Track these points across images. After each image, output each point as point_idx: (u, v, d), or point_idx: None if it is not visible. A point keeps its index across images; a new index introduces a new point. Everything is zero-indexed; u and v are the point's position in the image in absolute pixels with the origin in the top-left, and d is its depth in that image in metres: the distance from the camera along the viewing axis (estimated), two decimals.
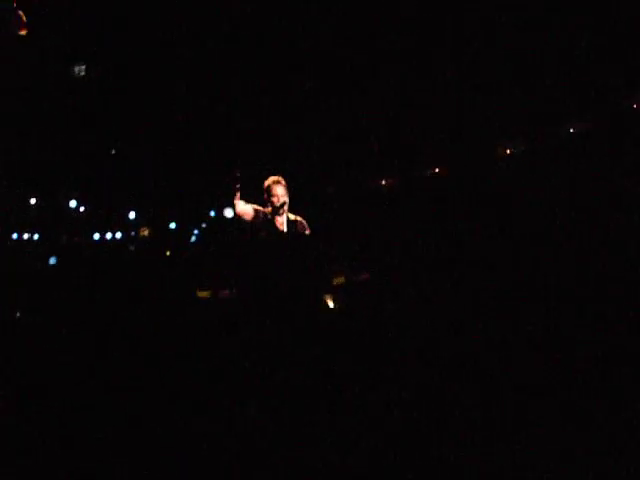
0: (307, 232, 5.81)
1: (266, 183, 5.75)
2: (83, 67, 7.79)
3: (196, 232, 14.69)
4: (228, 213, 13.05)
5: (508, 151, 13.36)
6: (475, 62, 11.20)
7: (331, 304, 12.09)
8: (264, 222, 5.64)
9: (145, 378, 6.02)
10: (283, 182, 5.76)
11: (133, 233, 15.67)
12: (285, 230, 5.68)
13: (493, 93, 11.45)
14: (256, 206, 5.71)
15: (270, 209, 5.68)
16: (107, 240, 15.65)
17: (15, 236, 14.75)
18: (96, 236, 15.62)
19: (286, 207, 5.68)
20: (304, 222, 5.85)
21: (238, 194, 5.61)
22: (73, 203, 14.85)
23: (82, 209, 15.02)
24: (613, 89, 11.10)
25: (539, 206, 11.88)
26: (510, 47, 10.92)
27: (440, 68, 11.29)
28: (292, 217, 5.78)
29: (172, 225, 15.22)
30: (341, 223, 13.00)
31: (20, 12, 6.33)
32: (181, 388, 5.63)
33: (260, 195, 5.76)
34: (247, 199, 5.72)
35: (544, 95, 11.47)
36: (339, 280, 13.79)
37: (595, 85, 11.10)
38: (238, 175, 5.68)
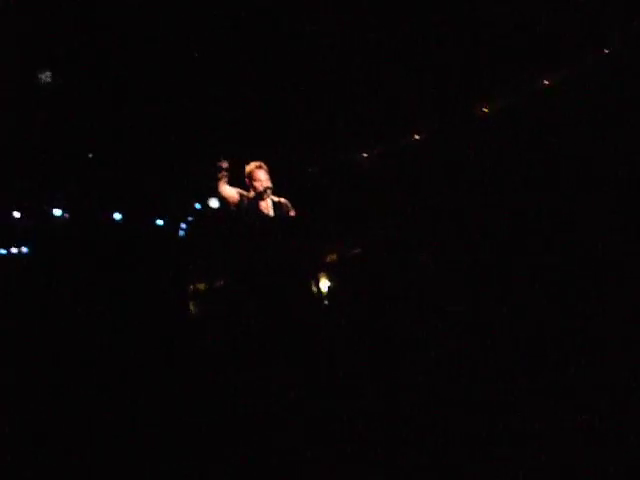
0: (292, 213, 5.79)
1: (248, 169, 5.73)
2: (49, 74, 7.71)
3: (183, 226, 14.62)
4: (214, 203, 12.98)
5: (485, 110, 13.31)
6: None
7: (326, 283, 12.12)
8: (249, 207, 5.62)
9: (138, 375, 6.00)
10: (265, 167, 5.74)
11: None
12: (272, 214, 5.66)
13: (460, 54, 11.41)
14: (240, 190, 5.68)
15: (253, 194, 5.66)
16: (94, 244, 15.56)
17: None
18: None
19: (270, 191, 5.66)
20: (288, 204, 5.83)
21: (223, 180, 5.57)
22: (58, 212, 14.73)
23: (67, 216, 14.89)
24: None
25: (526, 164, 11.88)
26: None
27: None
28: (276, 200, 5.77)
29: (159, 222, 15.14)
30: (327, 201, 12.97)
31: None
32: (178, 383, 5.61)
33: (243, 181, 5.74)
34: (231, 184, 5.69)
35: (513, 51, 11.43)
36: (331, 257, 13.82)
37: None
38: (222, 165, 5.63)
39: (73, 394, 5.55)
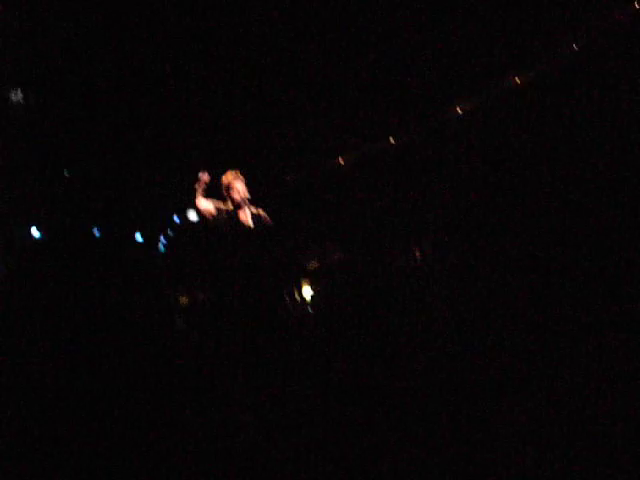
0: (270, 223, 5.75)
1: (225, 180, 5.68)
2: (19, 91, 7.64)
3: (163, 241, 14.54)
4: (192, 216, 12.93)
5: (459, 110, 13.33)
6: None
7: (309, 290, 12.08)
8: (227, 219, 5.58)
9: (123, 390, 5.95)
10: (242, 177, 5.70)
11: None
12: (251, 225, 5.62)
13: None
14: (218, 202, 5.64)
15: (231, 206, 5.62)
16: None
17: None
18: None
19: (247, 202, 5.62)
20: (266, 215, 5.79)
21: (200, 193, 5.54)
22: (35, 232, 14.60)
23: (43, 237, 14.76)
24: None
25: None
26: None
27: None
28: (254, 210, 5.72)
29: (138, 237, 15.04)
30: (306, 209, 12.94)
31: None
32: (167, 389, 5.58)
33: (219, 191, 5.69)
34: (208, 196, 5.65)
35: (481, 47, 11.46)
36: (313, 265, 13.79)
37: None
38: (201, 177, 5.59)
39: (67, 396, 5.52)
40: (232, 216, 5.57)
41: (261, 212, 5.74)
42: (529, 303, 6.57)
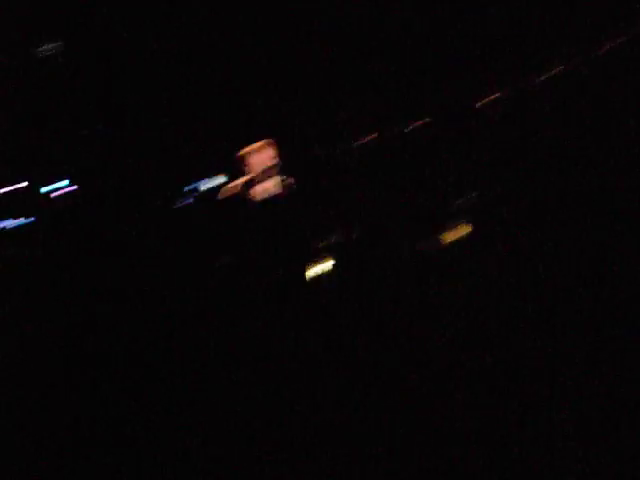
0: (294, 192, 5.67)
1: (240, 153, 5.60)
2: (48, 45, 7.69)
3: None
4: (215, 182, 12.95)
5: (490, 98, 13.26)
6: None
7: (323, 267, 12.00)
8: (251, 185, 5.52)
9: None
10: (264, 147, 5.62)
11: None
12: (273, 192, 5.53)
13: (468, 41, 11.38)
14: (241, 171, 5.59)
15: (245, 179, 5.54)
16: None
17: None
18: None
19: (273, 171, 5.54)
20: (291, 183, 5.69)
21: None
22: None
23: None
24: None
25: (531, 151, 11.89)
26: None
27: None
28: (279, 179, 5.63)
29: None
30: (326, 186, 12.95)
31: None
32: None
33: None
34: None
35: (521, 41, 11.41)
36: (324, 244, 13.81)
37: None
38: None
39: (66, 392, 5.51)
40: (256, 183, 5.49)
41: (285, 180, 5.64)
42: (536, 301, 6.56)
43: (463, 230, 12.67)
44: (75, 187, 13.05)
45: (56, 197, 13.94)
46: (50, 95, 10.50)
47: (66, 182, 13.35)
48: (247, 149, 5.63)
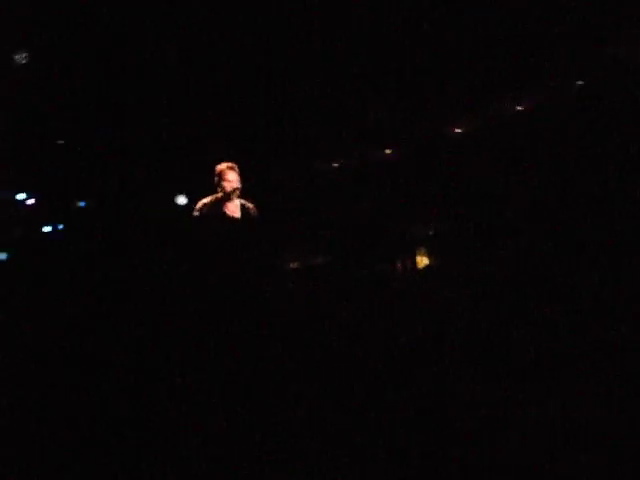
0: (256, 215, 5.79)
1: (219, 168, 5.72)
2: (25, 55, 7.61)
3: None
4: (181, 200, 12.92)
5: (458, 130, 13.45)
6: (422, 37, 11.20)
7: (290, 287, 12.04)
8: (214, 209, 5.63)
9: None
10: (236, 168, 5.74)
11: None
12: (238, 216, 5.66)
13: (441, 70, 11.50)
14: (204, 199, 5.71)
15: (220, 194, 5.66)
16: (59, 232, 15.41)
17: None
18: (47, 228, 15.36)
19: (238, 192, 5.66)
20: (254, 207, 5.83)
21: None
22: (21, 195, 14.59)
23: (31, 202, 14.76)
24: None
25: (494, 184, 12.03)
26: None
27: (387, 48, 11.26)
28: (243, 202, 5.76)
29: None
30: (295, 207, 12.99)
31: None
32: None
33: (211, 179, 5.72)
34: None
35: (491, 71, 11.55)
36: (293, 265, 13.83)
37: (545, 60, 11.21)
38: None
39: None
40: (218, 205, 5.61)
41: (249, 205, 5.78)
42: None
43: (422, 258, 12.77)
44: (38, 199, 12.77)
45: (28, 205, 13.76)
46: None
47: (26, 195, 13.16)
48: (224, 165, 5.73)
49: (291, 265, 13.31)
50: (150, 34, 9.98)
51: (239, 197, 5.70)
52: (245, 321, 5.42)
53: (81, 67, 10.15)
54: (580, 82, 11.75)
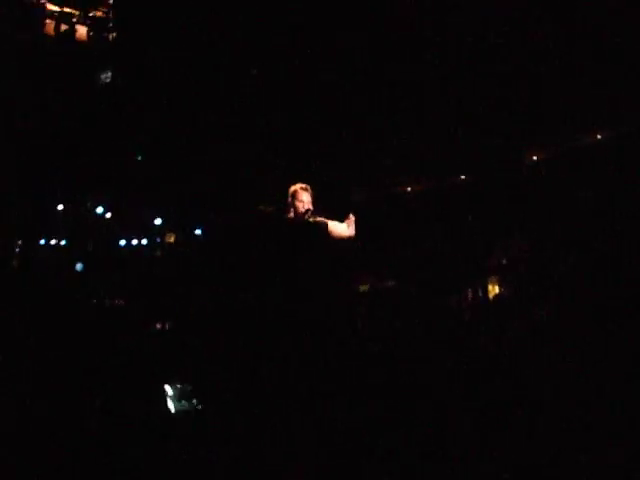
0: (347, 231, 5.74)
1: (292, 188, 5.74)
2: (109, 73, 7.83)
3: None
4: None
5: (535, 158, 13.26)
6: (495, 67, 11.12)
7: (361, 310, 11.99)
8: (288, 227, 5.64)
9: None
10: (310, 189, 5.75)
11: (158, 239, 15.76)
12: (310, 236, 5.65)
13: (517, 98, 11.37)
14: (279, 209, 5.73)
15: (292, 214, 5.66)
16: (133, 246, 15.75)
17: (42, 242, 14.86)
18: (122, 242, 15.72)
19: (310, 213, 5.66)
20: (328, 221, 5.79)
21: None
22: (100, 209, 14.96)
23: (109, 215, 15.12)
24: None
25: (567, 213, 11.81)
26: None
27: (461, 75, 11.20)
28: (316, 220, 5.74)
29: (197, 231, 15.30)
30: (367, 230, 12.98)
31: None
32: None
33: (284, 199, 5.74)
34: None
35: (568, 101, 11.39)
36: (364, 287, 13.80)
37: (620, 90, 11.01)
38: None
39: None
40: (292, 225, 5.62)
41: (321, 222, 5.75)
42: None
43: (493, 288, 12.55)
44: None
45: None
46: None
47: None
48: (297, 186, 5.76)
49: (361, 288, 13.30)
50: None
51: (310, 218, 5.69)
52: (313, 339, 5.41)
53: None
54: None
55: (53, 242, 15.07)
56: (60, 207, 14.53)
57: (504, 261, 12.96)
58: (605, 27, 9.71)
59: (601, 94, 11.03)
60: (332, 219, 5.72)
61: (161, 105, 10.75)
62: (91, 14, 6.98)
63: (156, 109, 10.82)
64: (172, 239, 15.72)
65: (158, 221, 15.38)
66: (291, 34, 9.75)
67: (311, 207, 5.66)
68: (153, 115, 10.99)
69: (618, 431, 4.21)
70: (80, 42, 7.18)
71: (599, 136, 12.47)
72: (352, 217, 5.65)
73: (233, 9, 9.12)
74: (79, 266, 14.49)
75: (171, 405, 6.38)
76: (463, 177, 14.04)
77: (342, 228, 5.68)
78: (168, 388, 6.55)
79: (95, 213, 14.98)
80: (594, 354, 6.28)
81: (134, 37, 8.92)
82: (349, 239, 5.65)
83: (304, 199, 5.67)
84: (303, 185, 5.75)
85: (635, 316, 7.39)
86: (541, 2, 9.38)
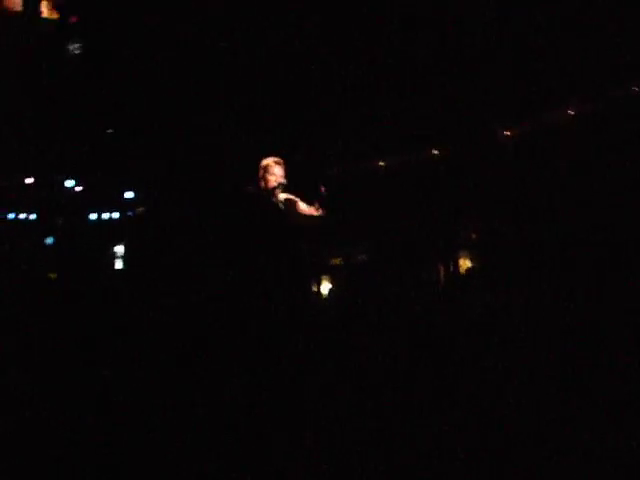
0: (316, 211, 5.71)
1: (265, 161, 5.69)
2: (78, 45, 7.69)
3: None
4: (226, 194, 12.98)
5: (508, 133, 13.30)
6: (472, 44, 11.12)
7: (328, 285, 12.05)
8: (260, 200, 5.61)
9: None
10: (282, 163, 5.70)
11: (130, 213, 15.62)
12: (282, 209, 5.61)
13: (491, 75, 11.40)
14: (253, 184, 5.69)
15: (266, 188, 5.62)
16: (104, 220, 15.60)
17: (11, 216, 14.68)
18: (93, 216, 15.57)
19: (282, 187, 5.62)
20: (298, 200, 5.75)
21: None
22: (69, 182, 14.78)
23: (78, 189, 14.95)
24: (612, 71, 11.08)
25: (539, 191, 11.88)
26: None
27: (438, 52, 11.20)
28: (287, 197, 5.69)
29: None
30: (339, 205, 12.95)
31: None
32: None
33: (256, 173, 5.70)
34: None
35: (541, 76, 11.43)
36: (336, 261, 13.82)
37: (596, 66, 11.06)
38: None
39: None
40: (265, 198, 5.59)
41: (292, 199, 5.71)
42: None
43: (464, 263, 12.62)
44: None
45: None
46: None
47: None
48: (270, 160, 5.71)
49: (333, 261, 13.31)
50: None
51: (280, 192, 5.64)
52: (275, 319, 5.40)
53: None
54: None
55: (22, 216, 14.91)
56: (29, 180, 14.37)
57: (474, 236, 13.05)
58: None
59: (573, 70, 11.09)
60: (303, 195, 5.70)
61: (132, 78, 10.63)
62: None
63: (127, 82, 10.70)
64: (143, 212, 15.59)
65: (130, 194, 15.25)
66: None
67: (284, 181, 5.63)
68: (124, 87, 10.86)
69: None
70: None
71: (571, 112, 12.53)
72: (323, 194, 5.62)
73: None
74: (49, 240, 14.36)
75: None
76: (435, 152, 14.06)
77: (311, 208, 5.65)
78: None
79: (65, 187, 14.82)
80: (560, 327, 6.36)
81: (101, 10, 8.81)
82: (319, 218, 5.62)
83: (276, 172, 5.63)
84: (276, 159, 5.71)
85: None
86: None
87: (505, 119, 13.09)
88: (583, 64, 11.01)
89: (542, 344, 5.90)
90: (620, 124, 11.29)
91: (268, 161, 5.68)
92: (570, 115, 12.41)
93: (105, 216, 15.59)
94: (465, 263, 12.98)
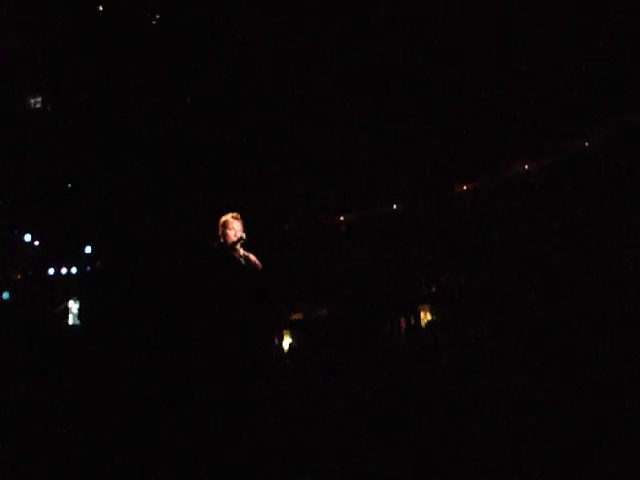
0: (260, 268, 5.75)
1: (224, 218, 5.71)
2: (39, 99, 7.70)
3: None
4: (186, 250, 12.94)
5: (465, 187, 13.51)
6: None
7: (289, 341, 12.00)
8: (219, 255, 5.61)
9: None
10: (240, 218, 5.74)
11: (89, 268, 15.46)
12: (241, 264, 5.62)
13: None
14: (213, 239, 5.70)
15: (226, 244, 5.63)
16: (62, 274, 15.43)
17: None
18: (51, 271, 15.38)
19: (242, 242, 5.64)
20: (256, 259, 5.78)
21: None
22: (28, 237, 14.64)
23: (36, 243, 14.80)
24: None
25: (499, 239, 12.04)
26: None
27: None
28: (244, 253, 5.71)
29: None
30: (297, 260, 12.98)
31: None
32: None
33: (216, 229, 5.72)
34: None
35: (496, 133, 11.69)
36: (297, 316, 13.78)
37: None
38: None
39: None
40: (223, 253, 5.59)
41: (250, 256, 5.73)
42: None
43: (425, 315, 12.66)
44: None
45: None
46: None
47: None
48: (228, 216, 5.74)
49: (294, 316, 13.27)
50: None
51: (242, 247, 5.66)
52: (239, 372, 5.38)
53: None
54: None
55: None
56: None
57: (434, 289, 13.15)
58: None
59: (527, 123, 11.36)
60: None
61: (90, 134, 10.65)
62: None
63: (85, 137, 10.71)
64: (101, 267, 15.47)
65: (88, 249, 15.12)
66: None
67: (243, 235, 5.65)
68: (82, 143, 10.87)
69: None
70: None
71: (526, 166, 12.80)
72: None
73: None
74: (5, 295, 14.15)
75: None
76: (395, 207, 14.22)
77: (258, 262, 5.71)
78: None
79: (23, 241, 14.68)
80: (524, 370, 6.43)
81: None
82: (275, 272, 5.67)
83: (235, 227, 5.66)
84: (234, 214, 5.74)
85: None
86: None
87: (463, 173, 13.32)
88: (537, 120, 11.31)
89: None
90: (574, 178, 11.58)
91: (227, 217, 5.71)
92: (524, 170, 12.70)
93: (63, 271, 15.44)
94: (426, 316, 13.05)
